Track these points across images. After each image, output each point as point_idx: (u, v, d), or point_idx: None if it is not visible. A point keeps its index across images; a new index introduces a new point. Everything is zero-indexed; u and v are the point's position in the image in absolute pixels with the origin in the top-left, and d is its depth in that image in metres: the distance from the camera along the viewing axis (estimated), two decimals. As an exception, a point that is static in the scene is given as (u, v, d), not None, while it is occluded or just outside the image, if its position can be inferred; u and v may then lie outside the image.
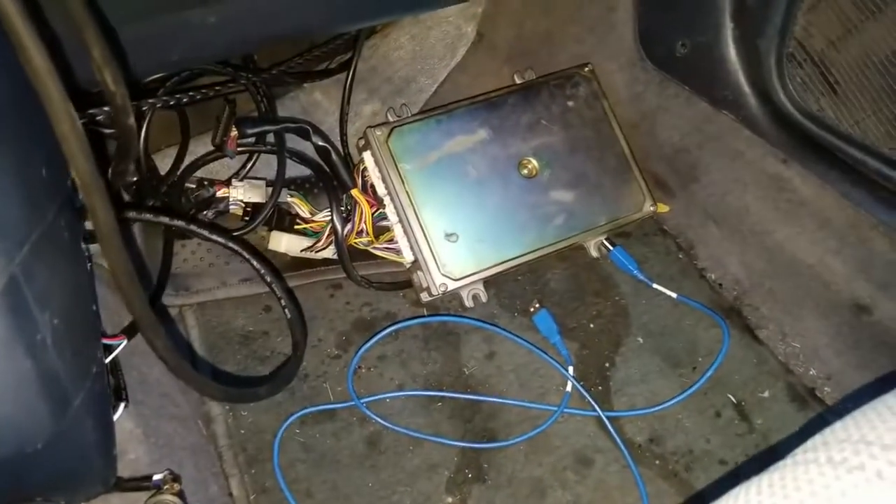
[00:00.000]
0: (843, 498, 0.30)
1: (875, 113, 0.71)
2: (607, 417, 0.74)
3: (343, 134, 0.86)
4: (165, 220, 0.61)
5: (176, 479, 0.56)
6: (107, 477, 0.56)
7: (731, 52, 0.81)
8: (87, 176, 0.32)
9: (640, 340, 0.82)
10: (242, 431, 0.71)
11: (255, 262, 0.61)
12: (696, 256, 0.89)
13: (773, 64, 0.77)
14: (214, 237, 0.62)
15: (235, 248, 0.62)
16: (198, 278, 0.79)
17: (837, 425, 0.36)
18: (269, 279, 0.60)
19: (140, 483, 0.57)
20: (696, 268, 0.89)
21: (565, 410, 0.75)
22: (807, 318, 0.80)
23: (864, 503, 0.30)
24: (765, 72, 0.78)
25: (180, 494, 0.54)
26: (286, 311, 0.62)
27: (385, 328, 0.79)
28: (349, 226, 0.77)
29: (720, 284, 0.87)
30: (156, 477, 0.57)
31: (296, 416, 0.72)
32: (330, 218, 0.76)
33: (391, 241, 0.81)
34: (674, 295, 0.84)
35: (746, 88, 0.81)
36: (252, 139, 0.75)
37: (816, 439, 0.35)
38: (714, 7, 0.80)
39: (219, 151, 0.72)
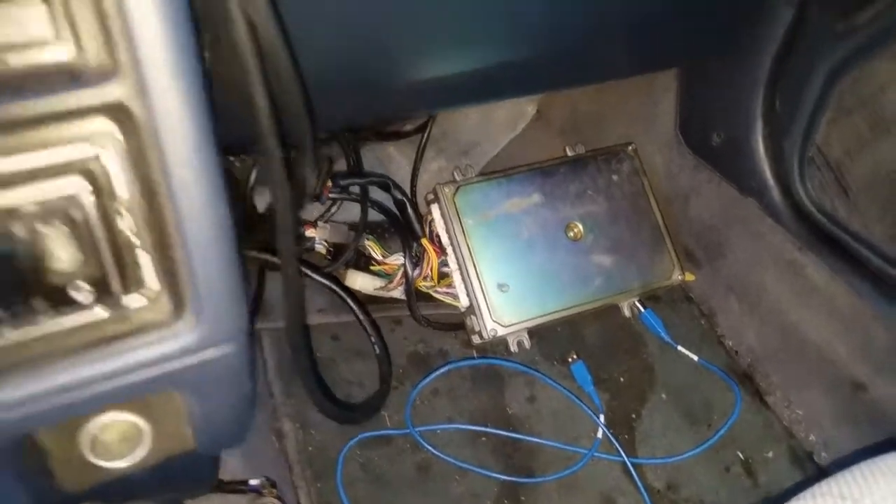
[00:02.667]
0: None
1: (881, 218, 0.85)
2: (631, 463, 0.87)
3: (413, 187, 1.00)
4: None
5: (273, 484, 0.67)
6: (212, 477, 0.66)
7: (760, 148, 0.95)
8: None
9: (664, 396, 0.95)
10: (310, 448, 0.83)
11: (349, 301, 0.73)
12: (716, 324, 1.03)
13: (796, 164, 0.92)
14: (314, 274, 0.74)
15: (331, 285, 0.75)
16: (277, 305, 0.91)
17: (823, 484, 0.48)
18: (361, 317, 0.73)
19: (238, 486, 0.68)
20: (716, 334, 1.02)
21: (595, 454, 0.87)
22: (811, 390, 0.94)
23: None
24: (788, 169, 0.93)
25: (280, 499, 0.65)
26: (375, 346, 0.74)
27: (441, 366, 0.91)
28: (417, 270, 0.90)
29: (736, 352, 1.01)
30: (253, 482, 0.68)
31: (357, 438, 0.84)
32: (402, 262, 0.89)
33: (450, 286, 0.94)
34: (695, 358, 0.98)
35: (771, 181, 0.95)
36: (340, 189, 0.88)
37: (805, 494, 0.48)
38: (748, 107, 0.95)
39: (315, 199, 0.85)
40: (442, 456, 0.85)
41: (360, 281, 0.91)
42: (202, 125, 0.29)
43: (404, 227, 0.92)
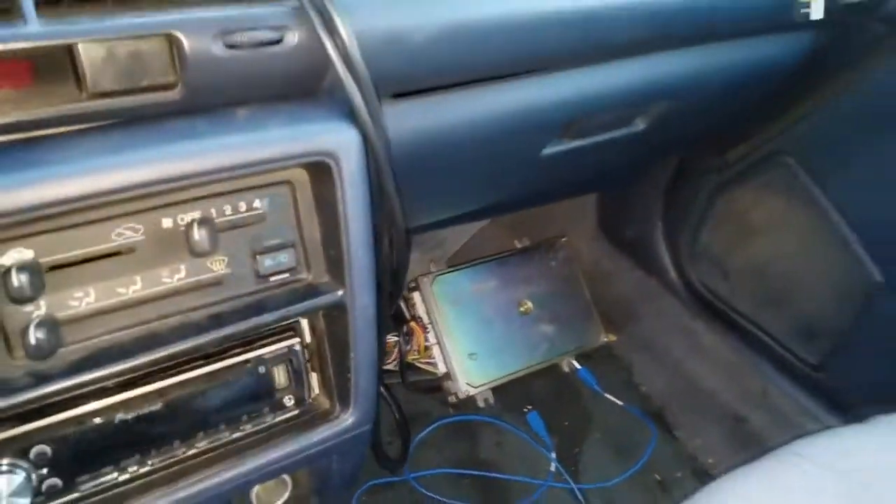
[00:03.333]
0: None
1: (751, 296, 1.17)
2: (578, 489, 1.13)
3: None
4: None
5: None
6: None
7: (661, 243, 1.27)
8: None
9: (598, 435, 1.22)
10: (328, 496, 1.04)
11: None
12: (634, 375, 1.32)
13: (688, 255, 1.24)
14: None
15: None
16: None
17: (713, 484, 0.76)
18: (384, 393, 0.94)
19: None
20: (634, 383, 1.31)
21: (550, 484, 1.13)
22: (706, 424, 1.23)
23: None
24: (682, 258, 1.24)
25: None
26: (396, 415, 0.96)
27: (434, 423, 1.14)
28: (408, 346, 1.14)
29: (650, 396, 1.30)
30: None
31: (367, 485, 1.05)
32: (397, 340, 1.13)
33: (430, 357, 1.18)
34: (620, 403, 1.26)
35: (670, 267, 1.27)
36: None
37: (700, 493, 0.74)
38: (650, 213, 1.26)
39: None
40: (433, 496, 1.07)
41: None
42: (373, 303, 0.53)
43: (393, 313, 1.16)
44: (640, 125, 0.76)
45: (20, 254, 0.41)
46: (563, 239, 1.32)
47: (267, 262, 0.50)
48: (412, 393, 1.18)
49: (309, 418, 0.56)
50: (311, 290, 0.51)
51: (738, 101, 0.84)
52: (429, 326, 1.17)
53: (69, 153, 0.40)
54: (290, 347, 0.53)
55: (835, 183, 0.97)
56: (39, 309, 0.42)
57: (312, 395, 0.57)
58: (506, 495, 1.11)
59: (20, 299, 0.41)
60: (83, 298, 0.44)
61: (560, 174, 0.82)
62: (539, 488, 1.12)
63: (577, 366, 1.27)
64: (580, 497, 1.12)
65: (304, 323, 0.54)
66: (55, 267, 0.42)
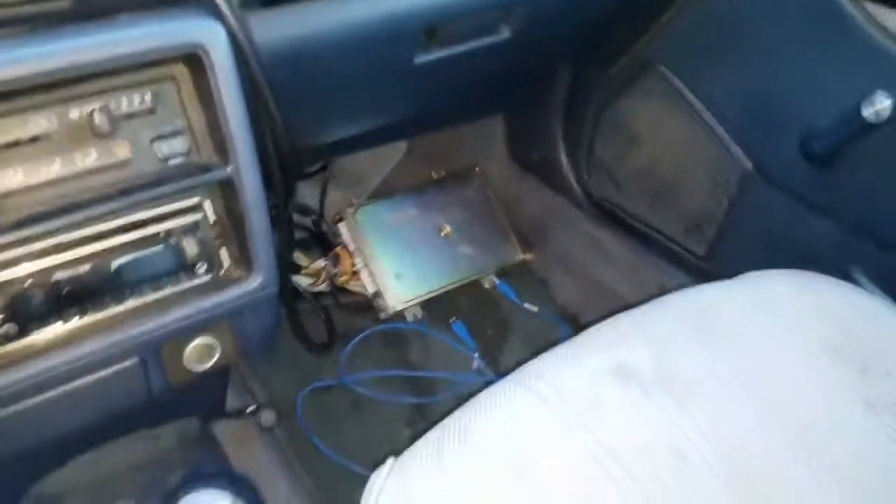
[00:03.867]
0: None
1: (640, 200, 1.31)
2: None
3: (322, 211, 1.36)
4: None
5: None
6: (222, 402, 0.99)
7: (564, 161, 1.40)
8: None
9: (518, 339, 1.36)
10: (275, 397, 1.16)
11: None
12: (550, 287, 1.47)
13: (585, 170, 1.38)
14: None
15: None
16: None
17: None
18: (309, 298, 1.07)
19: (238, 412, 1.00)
20: (550, 294, 1.46)
21: (474, 379, 1.27)
22: (614, 320, 1.39)
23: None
24: (582, 174, 1.38)
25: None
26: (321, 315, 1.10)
27: (362, 332, 1.27)
28: (336, 270, 1.27)
29: (565, 304, 1.44)
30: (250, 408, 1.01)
31: (309, 388, 1.19)
32: (324, 265, 1.25)
33: (359, 280, 1.30)
34: (536, 310, 1.40)
35: (573, 183, 1.40)
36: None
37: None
38: (551, 134, 1.40)
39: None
40: (368, 394, 1.21)
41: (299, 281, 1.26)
42: (258, 180, 0.65)
43: (321, 241, 1.28)
44: (505, 33, 0.88)
45: (-44, 138, 0.52)
46: (476, 168, 1.46)
47: (164, 148, 0.62)
48: (346, 313, 1.31)
49: (220, 282, 0.68)
50: (204, 168, 0.63)
51: (592, 8, 0.96)
52: (355, 252, 1.29)
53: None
54: (195, 222, 0.65)
55: (702, 84, 1.10)
56: (-23, 182, 0.54)
57: (225, 267, 0.69)
58: (434, 390, 1.25)
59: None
60: (13, 176, 0.55)
61: (441, 85, 0.94)
62: (464, 381, 1.26)
63: (497, 281, 1.41)
64: (500, 388, 1.26)
65: (208, 204, 0.66)
66: (-15, 149, 0.54)
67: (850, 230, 0.94)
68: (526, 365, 0.74)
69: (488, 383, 0.70)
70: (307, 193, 1.38)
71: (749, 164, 1.07)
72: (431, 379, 1.26)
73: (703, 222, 1.22)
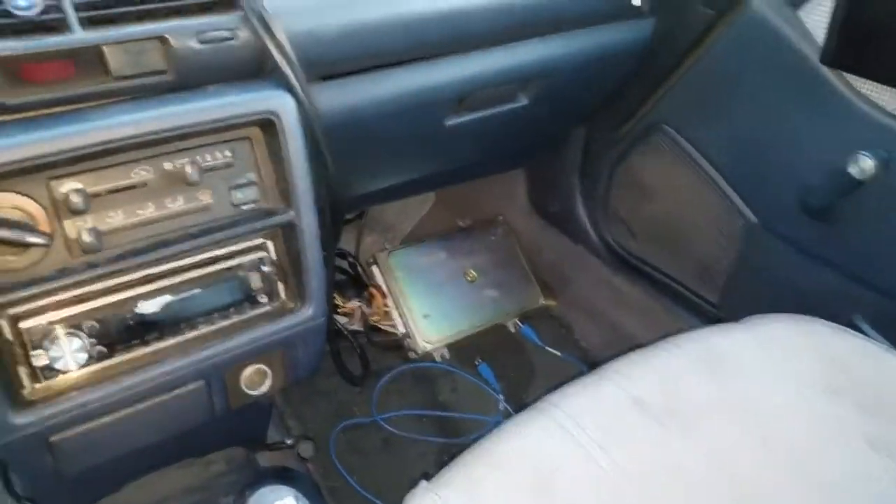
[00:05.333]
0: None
1: (654, 249, 1.40)
2: (523, 422, 1.34)
3: (357, 255, 1.47)
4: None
5: (307, 437, 1.09)
6: (265, 430, 1.08)
7: (582, 212, 1.51)
8: None
9: (541, 381, 1.44)
10: (310, 434, 1.24)
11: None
12: (571, 331, 1.55)
13: (602, 220, 1.47)
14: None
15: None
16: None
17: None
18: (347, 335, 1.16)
19: (279, 444, 1.09)
20: (573, 338, 1.54)
21: (499, 420, 1.34)
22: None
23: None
24: (599, 223, 1.48)
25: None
26: (356, 348, 1.19)
27: (393, 370, 1.36)
28: (370, 309, 1.37)
29: (586, 348, 1.52)
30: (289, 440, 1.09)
31: (341, 425, 1.27)
32: (359, 305, 1.35)
33: (390, 320, 1.40)
34: (558, 353, 1.48)
35: (591, 232, 1.50)
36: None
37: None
38: (569, 187, 1.50)
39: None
40: (398, 432, 1.29)
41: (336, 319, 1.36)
42: (315, 223, 0.75)
43: (356, 282, 1.38)
44: (523, 100, 1.00)
45: (74, 184, 0.64)
46: (500, 217, 1.56)
47: (238, 195, 0.73)
48: (378, 351, 1.40)
49: (278, 311, 0.78)
50: (270, 213, 0.74)
51: (600, 81, 1.08)
52: (387, 293, 1.39)
53: (103, 115, 0.64)
54: (260, 259, 0.76)
55: (705, 142, 1.21)
56: (87, 222, 0.65)
57: (282, 299, 0.79)
58: (461, 430, 1.32)
59: (76, 212, 0.63)
60: (114, 217, 0.67)
61: (469, 144, 1.07)
62: (489, 424, 1.33)
63: (521, 325, 1.50)
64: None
65: (270, 245, 0.77)
66: (96, 195, 0.65)
67: (850, 278, 1.02)
68: (547, 396, 0.82)
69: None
70: (344, 238, 1.49)
71: (752, 217, 1.16)
72: (459, 419, 1.34)
73: (713, 270, 1.30)
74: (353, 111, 0.82)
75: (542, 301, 1.52)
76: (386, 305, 1.39)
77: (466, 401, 1.37)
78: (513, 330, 1.50)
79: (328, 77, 0.77)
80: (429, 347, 1.38)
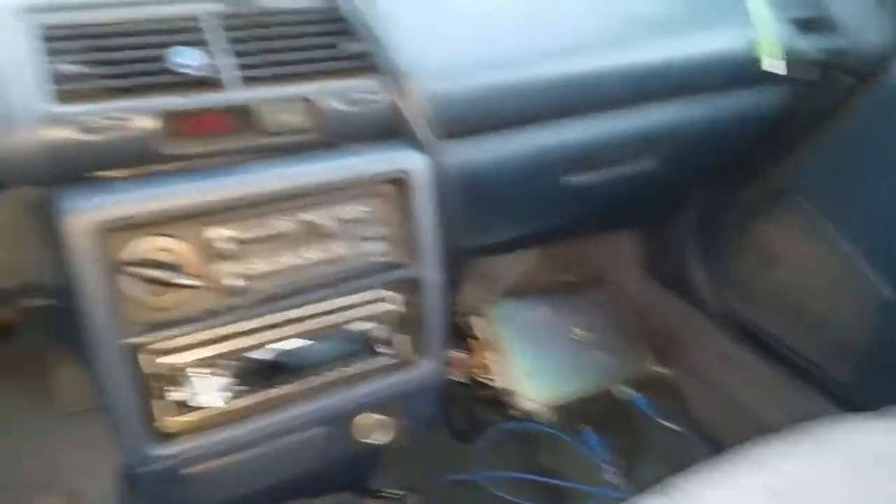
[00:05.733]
0: None
1: (782, 320, 1.32)
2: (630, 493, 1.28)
3: (456, 305, 1.48)
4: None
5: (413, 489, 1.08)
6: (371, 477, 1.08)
7: (698, 276, 1.45)
8: None
9: (652, 454, 1.37)
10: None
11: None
12: (685, 401, 1.47)
13: (723, 286, 1.41)
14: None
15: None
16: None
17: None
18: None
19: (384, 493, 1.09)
20: (686, 408, 1.46)
21: (607, 493, 1.28)
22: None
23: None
24: (719, 289, 1.42)
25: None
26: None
27: (495, 427, 1.34)
28: (471, 362, 1.37)
29: (702, 420, 1.44)
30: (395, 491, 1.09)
31: (447, 478, 1.25)
32: (463, 357, 1.35)
33: (492, 374, 1.39)
34: (671, 425, 1.41)
35: (708, 298, 1.44)
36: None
37: None
38: (685, 250, 1.45)
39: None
40: (500, 494, 1.26)
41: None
42: (440, 279, 0.77)
43: (456, 333, 1.39)
44: (649, 162, 0.99)
45: (223, 231, 0.68)
46: (609, 276, 1.53)
47: (368, 248, 0.76)
48: (479, 405, 1.38)
49: (398, 364, 0.80)
50: (397, 266, 0.77)
51: (731, 145, 1.06)
52: (489, 346, 1.39)
53: (253, 169, 0.68)
54: (384, 311, 0.78)
55: (839, 212, 1.15)
56: (232, 267, 0.69)
57: (403, 352, 0.81)
58: (564, 498, 1.27)
59: (223, 257, 0.68)
60: (256, 264, 0.71)
61: (586, 204, 1.06)
62: (596, 494, 1.28)
63: (630, 391, 1.44)
64: (632, 501, 1.27)
65: (394, 297, 0.79)
66: (241, 242, 0.69)
67: None
68: (671, 481, 0.78)
69: (622, 499, 0.73)
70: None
71: (889, 293, 1.08)
72: (564, 487, 1.29)
73: (843, 348, 1.21)
74: (477, 169, 0.84)
75: (654, 368, 1.47)
76: (487, 358, 1.39)
77: (571, 467, 1.33)
78: (622, 397, 1.44)
79: (455, 136, 0.79)
80: (531, 406, 1.36)
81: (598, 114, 0.87)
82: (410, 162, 0.73)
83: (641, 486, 1.30)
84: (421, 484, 1.25)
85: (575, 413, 1.42)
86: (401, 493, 1.08)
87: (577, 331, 1.45)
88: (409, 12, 0.76)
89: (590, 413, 1.43)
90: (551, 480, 1.29)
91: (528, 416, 1.38)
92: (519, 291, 1.49)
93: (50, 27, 0.63)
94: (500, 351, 1.37)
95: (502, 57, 0.80)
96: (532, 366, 1.39)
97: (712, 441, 1.40)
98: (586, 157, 0.90)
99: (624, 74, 0.85)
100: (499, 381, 1.37)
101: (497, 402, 1.40)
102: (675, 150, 0.98)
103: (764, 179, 1.25)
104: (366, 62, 0.72)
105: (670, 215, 1.42)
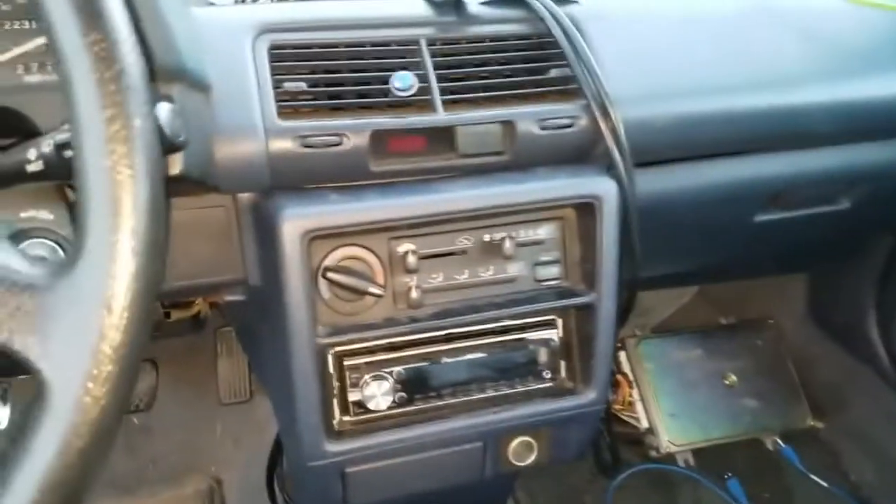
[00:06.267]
0: None
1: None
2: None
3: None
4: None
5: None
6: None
7: (874, 329, 1.33)
8: None
9: (800, 513, 1.28)
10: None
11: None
12: (840, 460, 1.36)
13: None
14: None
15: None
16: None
17: None
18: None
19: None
20: (841, 469, 1.35)
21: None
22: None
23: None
24: (893, 343, 1.30)
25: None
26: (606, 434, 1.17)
27: (633, 466, 1.30)
28: (613, 397, 1.33)
29: (858, 484, 1.32)
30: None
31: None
32: (606, 390, 1.33)
33: (634, 412, 1.35)
34: (823, 483, 1.30)
35: (882, 355, 1.32)
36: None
37: None
38: (863, 300, 1.34)
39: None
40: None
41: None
42: (614, 307, 0.77)
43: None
44: (844, 203, 0.93)
45: (410, 245, 0.71)
46: (771, 321, 1.44)
47: (542, 272, 0.76)
48: (618, 442, 1.35)
49: (558, 389, 0.79)
50: (571, 293, 0.76)
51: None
52: (633, 383, 1.34)
53: (445, 188, 0.71)
54: (551, 336, 0.78)
55: None
56: (415, 280, 0.72)
57: (561, 377, 0.80)
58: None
59: (408, 270, 0.71)
60: (436, 278, 0.73)
61: (766, 243, 1.00)
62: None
63: (781, 444, 1.35)
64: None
65: (560, 322, 0.79)
66: (424, 257, 0.72)
67: None
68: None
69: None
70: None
71: None
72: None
73: None
74: (663, 198, 0.82)
75: (810, 421, 1.36)
76: (631, 396, 1.35)
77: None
78: (771, 448, 1.35)
79: (646, 163, 0.78)
80: (673, 449, 1.30)
81: (796, 150, 0.82)
82: (602, 187, 0.73)
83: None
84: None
85: (719, 459, 1.35)
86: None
87: (731, 376, 1.37)
88: (612, 38, 0.76)
89: (735, 461, 1.35)
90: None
91: (668, 459, 1.33)
92: (671, 329, 1.44)
93: (278, 46, 0.68)
94: (645, 389, 1.33)
95: (702, 85, 0.78)
96: (677, 407, 1.33)
97: (863, 501, 1.28)
98: (779, 194, 0.86)
99: (829, 110, 0.80)
100: (641, 421, 1.33)
101: (635, 441, 1.35)
102: (872, 193, 0.91)
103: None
104: (569, 87, 0.73)
105: (848, 261, 1.32)
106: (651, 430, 1.32)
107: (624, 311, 0.83)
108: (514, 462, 0.84)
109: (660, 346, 1.39)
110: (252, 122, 0.65)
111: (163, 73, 0.53)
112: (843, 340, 1.39)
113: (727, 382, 1.37)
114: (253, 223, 0.70)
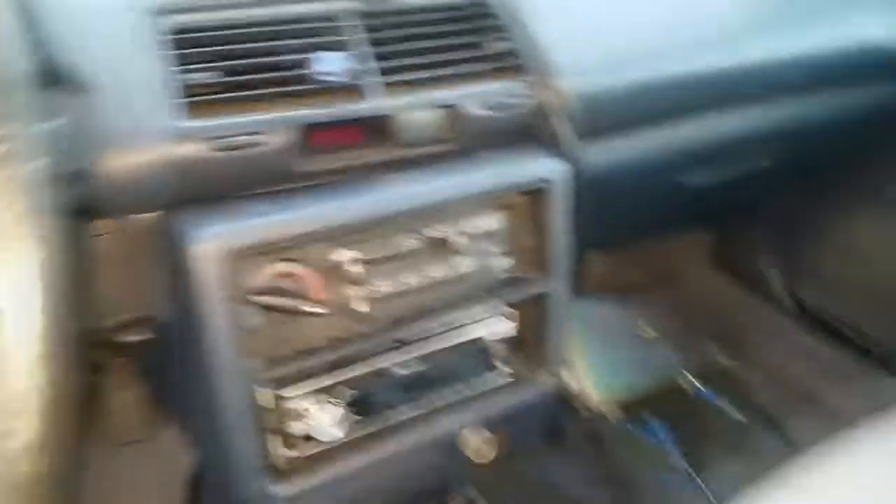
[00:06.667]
0: None
1: (859, 312, 1.28)
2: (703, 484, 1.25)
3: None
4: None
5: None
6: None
7: (774, 271, 1.40)
8: None
9: (722, 447, 1.33)
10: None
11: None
12: (752, 393, 1.44)
13: (797, 278, 1.37)
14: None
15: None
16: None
17: None
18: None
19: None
20: (753, 401, 1.43)
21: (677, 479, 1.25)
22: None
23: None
24: (794, 283, 1.37)
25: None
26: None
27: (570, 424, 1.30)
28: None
29: (770, 413, 1.41)
30: None
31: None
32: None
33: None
34: (739, 417, 1.37)
35: (784, 292, 1.39)
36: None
37: None
38: (763, 247, 1.40)
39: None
40: (574, 492, 1.23)
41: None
42: (568, 293, 0.72)
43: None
44: (765, 162, 0.94)
45: (350, 253, 0.63)
46: (679, 273, 1.48)
47: (495, 265, 0.70)
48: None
49: (518, 381, 0.76)
50: (525, 283, 0.72)
51: (848, 142, 1.00)
52: (561, 346, 1.34)
53: (385, 188, 0.63)
54: (508, 329, 0.73)
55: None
56: (360, 291, 0.63)
57: (519, 368, 0.76)
58: (636, 492, 1.25)
59: (351, 281, 0.62)
60: (382, 285, 0.65)
61: (697, 205, 1.01)
62: (666, 484, 1.25)
63: (699, 386, 1.41)
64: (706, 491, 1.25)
65: (516, 314, 0.74)
66: (367, 263, 0.64)
67: None
68: (751, 493, 0.74)
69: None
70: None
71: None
72: (633, 478, 1.27)
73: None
74: (605, 171, 0.78)
75: (724, 362, 1.43)
76: (560, 359, 1.35)
77: (640, 459, 1.30)
78: (690, 391, 1.41)
79: (591, 137, 0.73)
80: (602, 406, 1.32)
81: (729, 110, 0.81)
82: (551, 170, 0.68)
83: (710, 475, 1.29)
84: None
85: (643, 408, 1.39)
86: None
87: (648, 330, 1.40)
88: (552, 6, 0.69)
89: (660, 408, 1.40)
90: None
91: (597, 414, 1.34)
92: (589, 292, 1.44)
93: (180, 30, 0.56)
94: (572, 352, 1.33)
95: (649, 50, 0.74)
96: (602, 365, 1.35)
97: (778, 429, 1.37)
98: (708, 157, 0.84)
99: (764, 67, 0.79)
100: (571, 384, 1.33)
101: (568, 401, 1.36)
102: (790, 150, 0.92)
103: (858, 175, 1.20)
104: (513, 62, 0.66)
105: (747, 211, 1.37)
106: (581, 391, 1.33)
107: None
108: (477, 461, 0.79)
109: (582, 311, 1.39)
110: (149, 126, 0.53)
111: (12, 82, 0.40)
112: (747, 284, 1.45)
113: (645, 336, 1.40)
114: (156, 249, 0.58)
